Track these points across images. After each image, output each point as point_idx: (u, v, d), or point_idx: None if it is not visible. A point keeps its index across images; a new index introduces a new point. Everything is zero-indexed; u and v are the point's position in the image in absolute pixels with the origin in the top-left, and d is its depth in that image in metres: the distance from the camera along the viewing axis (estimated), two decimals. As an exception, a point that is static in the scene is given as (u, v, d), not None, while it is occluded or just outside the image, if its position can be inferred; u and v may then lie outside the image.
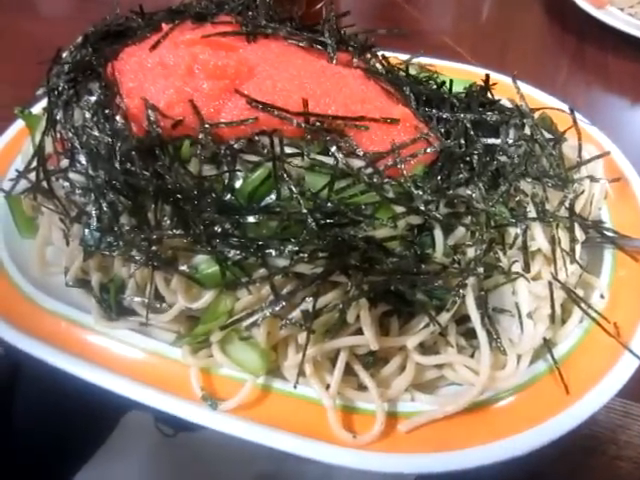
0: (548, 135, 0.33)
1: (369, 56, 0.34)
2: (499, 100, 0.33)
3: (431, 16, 0.59)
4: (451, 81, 0.34)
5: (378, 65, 0.35)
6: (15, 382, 0.38)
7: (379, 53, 0.36)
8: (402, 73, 0.35)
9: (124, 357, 0.30)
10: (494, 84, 0.34)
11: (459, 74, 0.41)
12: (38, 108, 0.41)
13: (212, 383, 0.28)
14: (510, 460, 0.25)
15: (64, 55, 0.36)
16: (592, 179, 0.32)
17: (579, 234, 0.30)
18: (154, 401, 0.28)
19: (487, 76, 0.34)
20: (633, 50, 0.49)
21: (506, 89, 0.40)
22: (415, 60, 0.41)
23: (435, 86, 0.34)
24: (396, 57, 0.41)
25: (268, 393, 0.28)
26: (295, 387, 0.27)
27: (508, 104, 0.34)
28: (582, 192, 0.31)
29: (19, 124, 0.42)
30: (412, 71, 0.40)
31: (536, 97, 0.41)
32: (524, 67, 0.52)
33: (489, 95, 0.34)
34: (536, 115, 0.37)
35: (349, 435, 0.26)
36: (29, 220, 0.37)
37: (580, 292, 0.29)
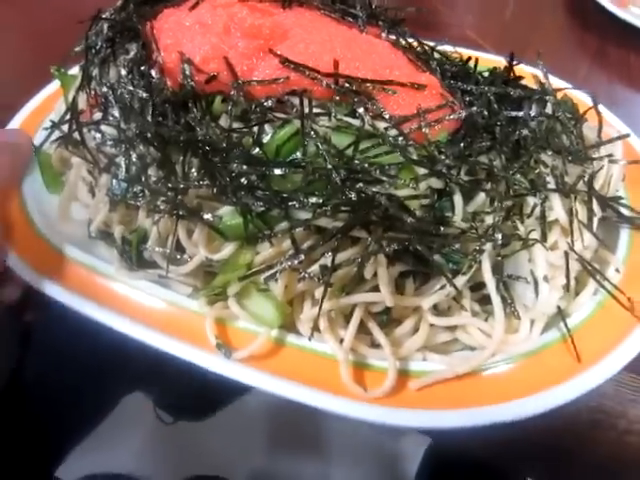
0: (569, 115, 0.33)
1: (397, 33, 0.34)
2: (522, 78, 0.34)
3: (456, 10, 0.59)
4: (477, 59, 0.35)
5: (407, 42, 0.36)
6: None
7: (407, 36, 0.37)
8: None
9: (142, 305, 0.31)
10: (518, 64, 0.35)
11: (483, 62, 0.42)
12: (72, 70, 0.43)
13: (227, 334, 0.29)
14: (517, 423, 0.26)
15: (103, 16, 0.37)
16: (611, 160, 0.33)
17: (596, 209, 0.30)
18: (169, 346, 0.28)
19: (511, 54, 0.35)
20: None
21: (529, 78, 0.41)
22: (440, 47, 0.42)
23: (462, 63, 0.34)
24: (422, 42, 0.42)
25: (282, 346, 0.28)
26: (310, 339, 0.27)
27: (531, 84, 0.35)
28: (601, 169, 0.32)
29: (48, 89, 0.44)
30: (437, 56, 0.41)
31: (558, 84, 0.41)
32: (546, 62, 0.53)
33: (512, 74, 0.34)
34: (559, 96, 0.38)
35: (360, 389, 0.26)
36: (57, 176, 0.38)
37: (596, 266, 0.30)
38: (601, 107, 0.39)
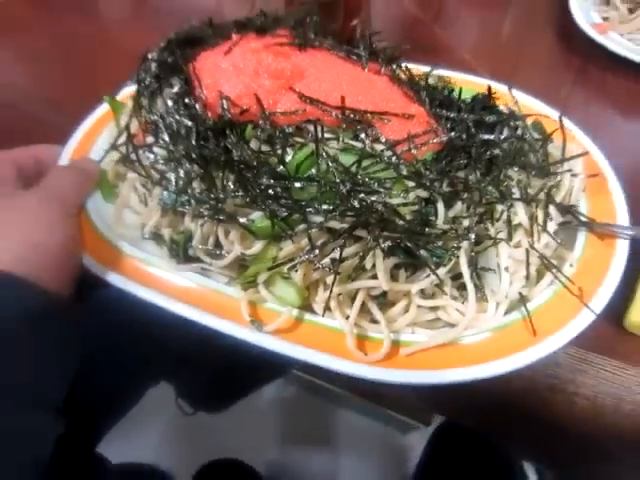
0: (537, 136, 0.40)
1: (394, 66, 0.41)
2: (497, 106, 0.41)
3: (454, 34, 0.65)
4: (460, 89, 0.42)
5: (402, 74, 0.43)
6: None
7: (403, 65, 0.44)
8: (421, 82, 0.43)
9: (188, 290, 0.38)
10: (495, 93, 0.42)
11: (471, 85, 0.49)
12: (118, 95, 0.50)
13: (258, 313, 0.36)
14: (484, 382, 0.32)
15: (149, 56, 0.45)
16: (572, 174, 0.40)
17: (555, 215, 0.37)
18: (213, 323, 0.36)
19: (489, 87, 0.41)
20: (629, 70, 0.56)
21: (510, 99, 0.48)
22: (435, 72, 0.49)
23: (447, 92, 0.41)
24: (418, 69, 0.49)
25: (301, 322, 0.36)
26: (322, 316, 0.35)
27: (506, 110, 0.41)
28: (559, 182, 0.39)
29: (96, 114, 0.51)
30: (431, 81, 0.48)
31: (535, 106, 0.48)
32: (533, 82, 0.59)
33: (491, 102, 0.41)
34: (531, 120, 0.45)
35: (362, 354, 0.34)
36: (111, 188, 0.46)
37: (554, 262, 0.37)
38: (571, 125, 0.46)
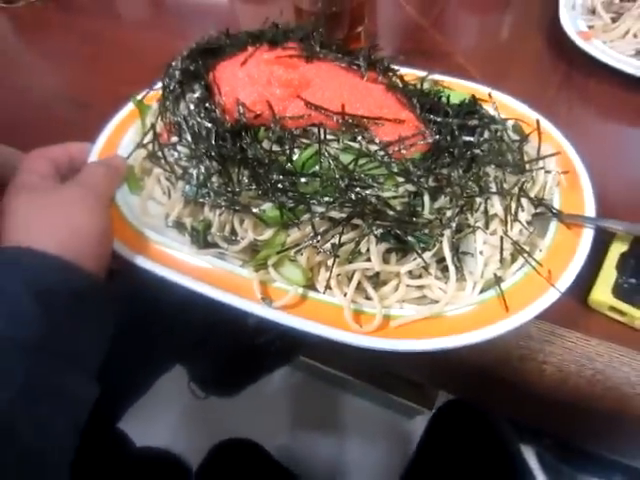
0: (516, 137, 0.46)
1: (391, 74, 0.47)
2: (481, 110, 0.46)
3: (451, 39, 0.70)
4: (449, 95, 0.47)
5: (398, 81, 0.48)
6: None
7: (400, 72, 0.49)
8: (415, 87, 0.48)
9: (208, 271, 0.44)
10: (480, 99, 0.47)
11: (463, 88, 0.54)
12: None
13: (268, 291, 0.42)
14: (463, 351, 0.38)
15: (174, 63, 0.50)
16: (546, 170, 0.45)
17: (527, 207, 0.42)
18: (229, 299, 0.41)
19: (473, 96, 0.47)
20: (611, 75, 0.60)
21: (499, 102, 0.53)
22: (430, 76, 0.54)
23: (437, 98, 0.46)
24: (414, 74, 0.54)
25: (305, 298, 0.41)
26: (324, 294, 0.40)
27: (491, 112, 0.47)
28: (534, 178, 0.44)
29: (122, 113, 0.56)
30: (426, 85, 0.53)
31: (519, 109, 0.53)
32: (522, 85, 0.64)
33: (475, 107, 0.46)
34: (512, 122, 0.50)
35: (357, 326, 0.39)
36: (138, 181, 0.51)
37: (526, 247, 0.42)
38: (551, 126, 0.51)
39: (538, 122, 0.47)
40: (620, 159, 0.56)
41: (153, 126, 0.48)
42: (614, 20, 0.63)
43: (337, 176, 0.39)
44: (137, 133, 0.54)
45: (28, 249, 0.39)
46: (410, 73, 0.55)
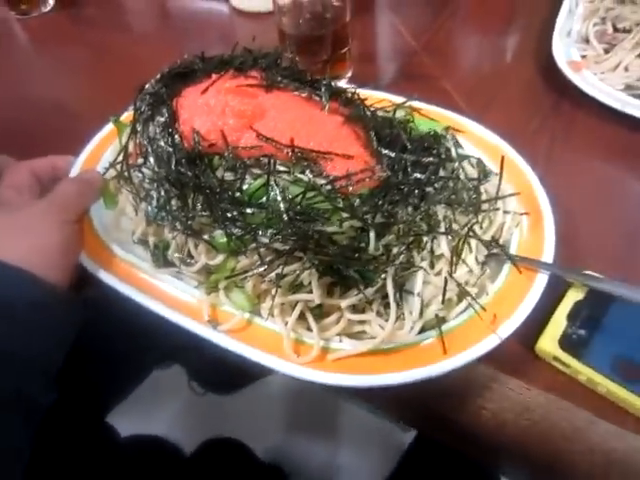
0: (475, 174, 0.45)
1: (354, 105, 0.47)
2: (441, 146, 0.46)
3: (440, 63, 0.69)
4: (411, 130, 0.47)
5: (362, 110, 0.48)
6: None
7: (365, 101, 0.49)
8: (379, 118, 0.48)
9: (164, 291, 0.45)
10: (455, 129, 0.47)
11: (440, 118, 0.54)
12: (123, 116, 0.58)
13: (216, 314, 0.43)
14: (399, 387, 0.38)
15: (147, 86, 0.52)
16: (505, 210, 0.45)
17: (478, 248, 0.42)
18: (178, 319, 0.42)
19: (435, 131, 0.46)
20: (599, 108, 0.58)
21: (470, 133, 0.53)
22: (409, 103, 0.54)
23: (399, 131, 0.46)
24: (390, 100, 0.54)
25: (250, 324, 0.42)
26: (266, 320, 0.41)
27: (453, 148, 0.46)
28: (491, 218, 0.43)
29: (105, 130, 0.58)
30: (401, 113, 0.53)
31: (492, 142, 0.52)
32: (505, 115, 0.63)
33: (436, 142, 0.46)
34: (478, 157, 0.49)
35: (295, 356, 0.40)
36: (112, 197, 0.53)
37: (475, 290, 0.42)
38: (522, 162, 0.50)
39: (502, 159, 0.46)
40: (597, 200, 0.54)
41: (124, 147, 0.50)
42: (607, 51, 0.62)
43: (282, 208, 0.39)
44: (116, 150, 0.56)
45: None
46: (387, 99, 0.55)
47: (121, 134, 0.55)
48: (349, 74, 0.69)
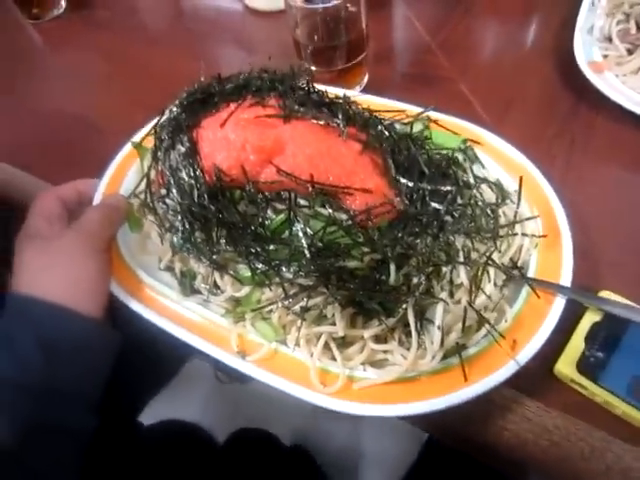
0: (493, 199, 0.45)
1: (369, 130, 0.47)
2: (456, 171, 0.46)
3: (457, 62, 0.68)
4: (428, 150, 0.47)
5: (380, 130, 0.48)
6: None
7: (383, 122, 0.49)
8: (396, 138, 0.48)
9: (192, 319, 0.47)
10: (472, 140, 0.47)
11: (457, 129, 0.53)
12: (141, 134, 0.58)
13: (244, 344, 0.45)
14: (423, 415, 0.40)
15: (166, 112, 0.52)
16: (523, 234, 0.45)
17: (496, 275, 0.43)
18: (206, 348, 0.44)
19: (453, 154, 0.46)
20: (619, 112, 0.57)
21: (487, 146, 0.52)
22: (425, 113, 0.54)
23: (415, 154, 0.46)
24: (408, 111, 0.54)
25: (277, 353, 0.44)
26: (293, 351, 0.43)
27: (469, 171, 0.46)
28: (509, 245, 0.44)
29: (125, 149, 0.59)
30: (419, 126, 0.53)
31: (510, 155, 0.52)
32: (522, 118, 0.62)
33: (451, 169, 0.46)
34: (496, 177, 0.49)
35: (322, 386, 0.41)
36: (137, 220, 0.54)
37: (494, 315, 0.43)
38: (540, 176, 0.50)
39: (521, 181, 0.46)
40: (616, 211, 0.53)
41: (146, 175, 0.51)
42: (630, 51, 0.60)
43: (304, 244, 0.40)
44: (138, 171, 0.57)
45: (34, 299, 0.44)
46: (403, 109, 0.55)
47: (142, 158, 0.56)
48: (365, 79, 0.68)
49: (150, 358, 0.82)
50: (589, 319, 0.44)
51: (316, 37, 0.61)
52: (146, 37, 0.90)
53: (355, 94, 0.56)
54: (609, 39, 0.62)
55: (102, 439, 0.46)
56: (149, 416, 0.88)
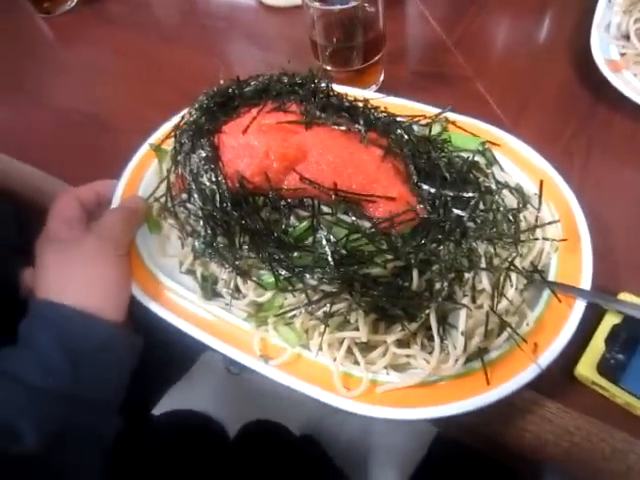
0: (514, 204, 0.46)
1: (390, 134, 0.47)
2: (477, 177, 0.46)
3: (473, 61, 0.67)
4: (448, 155, 0.47)
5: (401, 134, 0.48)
6: None
7: (402, 126, 0.49)
8: (416, 143, 0.48)
9: (212, 322, 0.47)
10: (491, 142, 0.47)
11: (475, 130, 0.53)
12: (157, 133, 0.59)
13: (266, 348, 0.45)
14: (446, 418, 0.40)
15: (185, 115, 0.53)
16: (544, 238, 0.45)
17: (517, 280, 0.43)
18: (229, 352, 0.45)
19: (473, 158, 0.46)
20: (638, 113, 0.57)
21: (508, 148, 0.53)
22: (444, 114, 0.54)
23: (435, 161, 0.46)
24: (424, 112, 0.54)
25: (300, 358, 0.44)
26: (316, 356, 0.43)
27: (492, 178, 0.47)
28: (529, 249, 0.44)
29: (146, 146, 0.59)
30: (437, 127, 0.53)
31: (529, 158, 0.52)
32: (539, 118, 0.62)
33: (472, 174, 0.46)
34: (516, 180, 0.50)
35: (345, 390, 0.42)
36: (156, 222, 0.55)
37: (515, 318, 0.43)
38: (559, 179, 0.50)
39: (541, 184, 0.47)
40: (635, 211, 0.54)
41: (166, 178, 0.51)
42: (647, 49, 0.59)
43: (328, 252, 0.41)
44: (156, 172, 0.58)
45: (57, 305, 0.44)
46: (421, 109, 0.55)
47: (161, 159, 0.57)
48: (381, 78, 0.68)
49: (164, 355, 0.83)
50: (609, 321, 0.44)
51: (334, 38, 0.60)
52: (159, 32, 0.89)
53: (372, 95, 0.56)
54: (626, 37, 0.62)
55: (117, 435, 0.47)
56: (160, 407, 0.90)
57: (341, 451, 1.31)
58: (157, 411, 0.88)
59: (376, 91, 0.66)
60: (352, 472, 1.17)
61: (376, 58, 0.64)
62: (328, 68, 0.63)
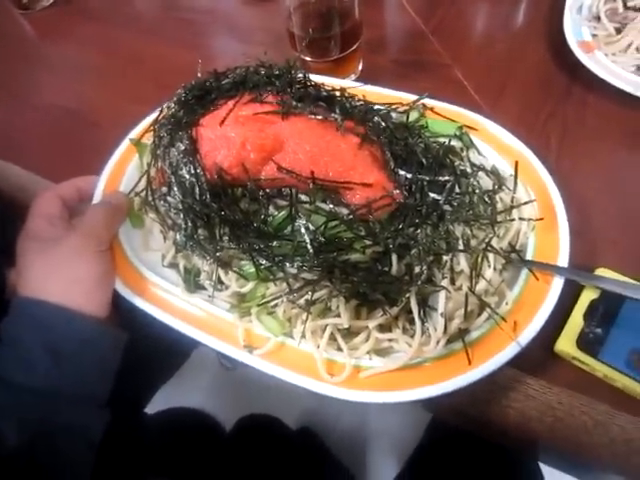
0: (490, 186, 0.46)
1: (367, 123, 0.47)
2: (453, 162, 0.46)
3: (450, 49, 0.68)
4: (425, 140, 0.47)
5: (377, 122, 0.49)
6: None
7: (380, 112, 0.50)
8: (392, 129, 0.48)
9: (196, 315, 0.48)
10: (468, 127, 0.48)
11: (453, 116, 0.54)
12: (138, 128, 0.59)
13: (250, 338, 0.46)
14: (433, 399, 0.41)
15: (164, 110, 0.53)
16: (520, 218, 0.46)
17: (495, 260, 0.44)
18: (213, 344, 0.45)
19: (450, 142, 0.47)
20: (610, 91, 0.57)
21: (485, 132, 0.53)
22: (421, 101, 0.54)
23: (412, 146, 0.47)
24: (401, 99, 0.54)
25: (283, 346, 0.45)
26: (299, 344, 0.44)
27: (467, 161, 0.47)
28: (507, 229, 0.45)
29: (127, 141, 0.59)
30: (415, 114, 0.54)
31: (505, 140, 0.52)
32: (516, 101, 0.63)
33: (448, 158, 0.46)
34: (493, 163, 0.50)
35: (329, 376, 0.43)
36: (138, 216, 0.55)
37: (495, 298, 0.44)
38: (535, 160, 0.51)
39: (516, 166, 0.47)
40: (610, 189, 0.54)
41: (146, 172, 0.51)
42: (618, 30, 0.60)
43: (307, 239, 0.41)
44: (137, 166, 0.58)
45: (40, 303, 0.44)
46: (399, 97, 0.55)
47: (141, 155, 0.57)
48: (359, 67, 0.68)
49: (155, 351, 0.83)
50: (587, 296, 0.45)
51: (310, 28, 0.60)
52: (138, 27, 0.88)
53: (350, 84, 0.57)
54: (597, 18, 0.63)
55: (109, 433, 0.47)
56: (154, 404, 0.89)
57: (338, 441, 1.32)
58: (152, 407, 0.88)
59: (355, 80, 0.66)
60: (350, 461, 1.19)
61: (354, 47, 0.64)
62: (307, 59, 0.63)
